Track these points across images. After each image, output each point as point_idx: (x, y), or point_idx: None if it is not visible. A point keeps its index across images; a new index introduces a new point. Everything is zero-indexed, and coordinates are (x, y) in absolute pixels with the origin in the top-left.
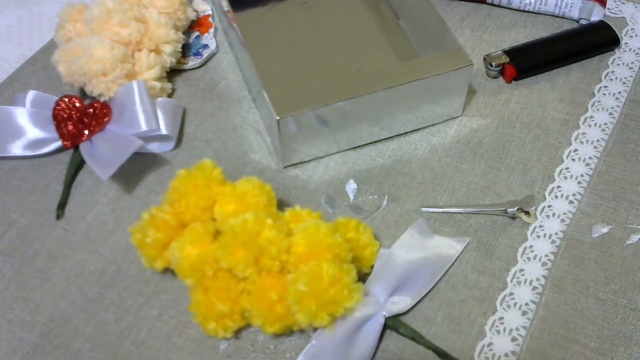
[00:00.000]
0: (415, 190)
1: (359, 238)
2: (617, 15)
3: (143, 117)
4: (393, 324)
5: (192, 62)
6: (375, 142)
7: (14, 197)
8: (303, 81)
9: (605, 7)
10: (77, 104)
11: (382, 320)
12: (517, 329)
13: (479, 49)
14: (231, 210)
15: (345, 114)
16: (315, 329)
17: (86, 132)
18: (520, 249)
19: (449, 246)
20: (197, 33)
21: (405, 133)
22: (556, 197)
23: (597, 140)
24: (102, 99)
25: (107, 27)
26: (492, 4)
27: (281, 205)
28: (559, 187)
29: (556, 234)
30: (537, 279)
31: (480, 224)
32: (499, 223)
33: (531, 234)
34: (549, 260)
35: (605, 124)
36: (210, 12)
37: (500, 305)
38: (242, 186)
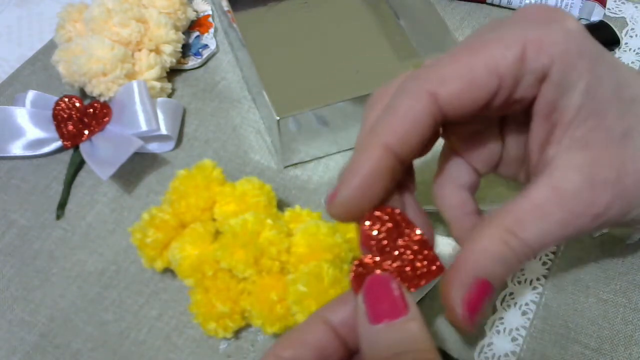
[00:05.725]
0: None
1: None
2: (617, 15)
3: (143, 117)
4: None
5: (192, 62)
6: None
7: (14, 197)
8: (303, 81)
9: (605, 7)
10: (77, 104)
11: None
12: (517, 329)
13: None
14: (231, 211)
15: (345, 114)
16: None
17: (86, 132)
18: None
19: (449, 246)
20: (197, 33)
21: None
22: None
23: None
24: (102, 99)
25: (107, 27)
26: (492, 4)
27: (281, 205)
28: None
29: None
30: (538, 279)
31: None
32: None
33: None
34: (549, 259)
35: None
36: (210, 12)
37: (500, 305)
38: (242, 186)
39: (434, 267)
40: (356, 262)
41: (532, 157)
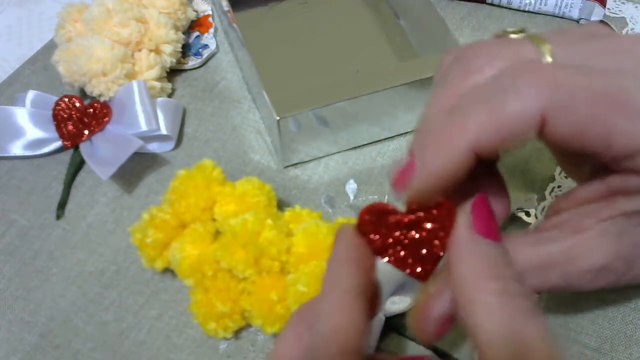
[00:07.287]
0: None
1: None
2: (617, 15)
3: (143, 117)
4: (393, 324)
5: (192, 62)
6: (376, 142)
7: (14, 197)
8: (303, 81)
9: (605, 7)
10: (77, 104)
11: (382, 320)
12: None
13: None
14: (231, 211)
15: (345, 114)
16: None
17: (86, 132)
18: None
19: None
20: (197, 33)
21: (406, 133)
22: (556, 196)
23: None
24: (102, 99)
25: (107, 27)
26: (492, 4)
27: (281, 205)
28: (559, 186)
29: None
30: None
31: None
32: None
33: None
34: None
35: None
36: (210, 12)
37: None
38: (242, 186)
39: (419, 271)
40: (379, 207)
41: (580, 196)
